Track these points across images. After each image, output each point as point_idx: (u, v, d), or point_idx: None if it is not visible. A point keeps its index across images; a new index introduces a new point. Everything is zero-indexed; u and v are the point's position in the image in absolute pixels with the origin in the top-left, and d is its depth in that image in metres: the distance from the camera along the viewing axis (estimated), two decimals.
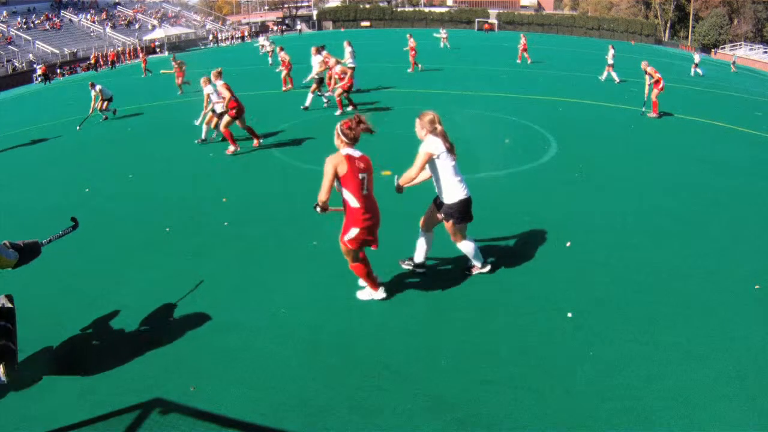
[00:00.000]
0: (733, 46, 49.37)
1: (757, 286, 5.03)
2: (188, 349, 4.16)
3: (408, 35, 22.12)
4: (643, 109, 13.39)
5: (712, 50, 52.09)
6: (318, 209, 4.22)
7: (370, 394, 3.67)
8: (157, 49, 41.69)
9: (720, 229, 6.44)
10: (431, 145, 4.41)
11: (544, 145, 10.17)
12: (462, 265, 5.48)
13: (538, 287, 5.04)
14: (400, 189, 4.70)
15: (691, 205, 7.28)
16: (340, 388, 3.73)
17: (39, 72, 30.26)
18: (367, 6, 68.62)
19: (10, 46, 34.54)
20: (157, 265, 5.58)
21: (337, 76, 12.58)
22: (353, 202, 4.06)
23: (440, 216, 4.73)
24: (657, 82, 12.80)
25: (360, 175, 4.07)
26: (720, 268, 5.44)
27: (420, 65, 21.90)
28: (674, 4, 63.90)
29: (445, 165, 4.48)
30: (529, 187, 7.85)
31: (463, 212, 4.64)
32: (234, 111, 9.34)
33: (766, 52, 43.61)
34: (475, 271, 5.14)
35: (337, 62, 12.72)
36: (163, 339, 4.30)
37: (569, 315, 4.55)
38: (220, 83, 9.40)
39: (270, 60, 24.97)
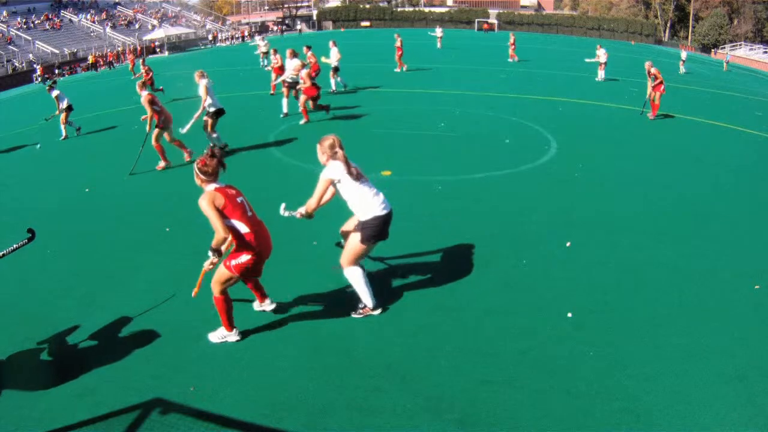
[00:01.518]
0: (733, 46, 49.37)
1: (757, 286, 5.03)
2: (188, 349, 4.16)
3: (396, 35, 21.99)
4: (643, 109, 13.39)
5: (712, 50, 52.09)
6: (212, 254, 3.87)
7: (370, 394, 3.67)
8: (157, 50, 41.67)
9: (720, 229, 6.44)
10: (331, 170, 4.24)
11: (544, 145, 10.17)
12: (465, 265, 5.48)
13: (539, 287, 5.05)
14: (309, 216, 4.39)
15: (691, 205, 7.28)
16: (340, 388, 3.73)
17: (39, 72, 30.24)
18: (367, 6, 68.57)
19: (10, 46, 34.52)
20: (157, 265, 5.58)
21: (302, 80, 11.79)
22: (243, 228, 3.86)
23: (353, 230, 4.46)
24: (658, 84, 12.77)
25: (239, 199, 3.93)
26: (720, 268, 5.44)
27: (404, 66, 21.34)
28: (674, 4, 63.89)
29: (351, 187, 4.28)
30: (529, 187, 7.85)
31: (376, 229, 4.30)
32: (161, 122, 8.77)
33: (766, 52, 43.59)
34: (364, 312, 4.55)
35: (303, 65, 12.05)
36: (163, 339, 4.30)
37: (569, 315, 4.56)
38: (144, 93, 8.72)
39: (263, 61, 24.34)
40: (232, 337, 4.22)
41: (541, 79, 20.08)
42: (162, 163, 9.05)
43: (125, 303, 4.83)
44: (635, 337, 4.27)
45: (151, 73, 16.57)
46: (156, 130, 8.83)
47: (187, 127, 9.29)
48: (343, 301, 4.80)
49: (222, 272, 3.99)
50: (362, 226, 4.33)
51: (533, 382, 3.76)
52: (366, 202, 4.30)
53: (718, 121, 13.29)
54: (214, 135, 9.63)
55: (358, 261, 4.43)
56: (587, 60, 21.85)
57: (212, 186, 3.91)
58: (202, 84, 9.25)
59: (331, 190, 4.43)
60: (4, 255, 3.99)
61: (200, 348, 4.17)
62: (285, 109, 12.84)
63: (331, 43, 16.01)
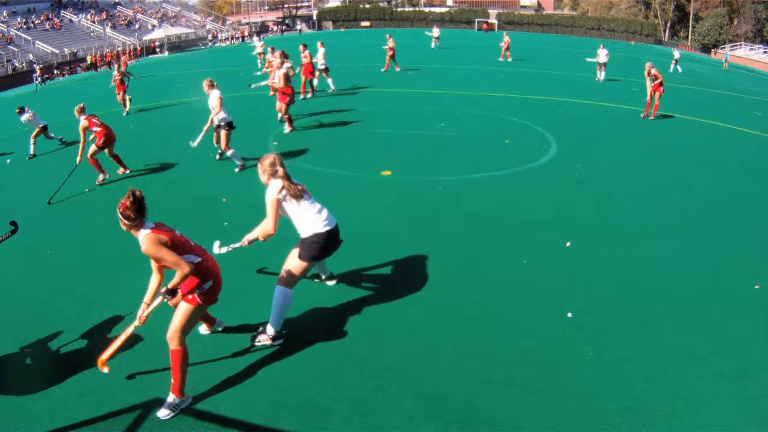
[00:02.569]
0: (733, 46, 49.37)
1: (757, 286, 5.03)
2: (188, 349, 4.15)
3: (388, 35, 21.95)
4: (647, 111, 13.37)
5: (712, 50, 52.09)
6: (168, 298, 3.52)
7: (370, 394, 3.67)
8: (157, 49, 41.67)
9: (720, 229, 6.44)
10: (275, 189, 4.14)
11: (544, 145, 10.17)
12: (466, 265, 5.48)
13: (539, 287, 5.05)
14: (264, 239, 4.25)
15: (691, 205, 7.29)
16: (340, 388, 3.73)
17: (38, 72, 30.21)
18: (367, 6, 68.53)
19: (10, 46, 34.52)
20: None
21: (278, 80, 10.71)
22: (195, 258, 3.57)
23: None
24: (658, 85, 12.76)
25: (177, 233, 3.62)
26: (720, 268, 5.44)
27: (387, 68, 21.29)
28: (674, 4, 63.86)
29: (294, 205, 4.18)
30: (528, 187, 7.85)
31: (316, 246, 4.17)
32: (102, 141, 8.25)
33: (766, 52, 43.59)
34: (262, 341, 4.23)
35: (281, 64, 10.84)
36: (163, 339, 4.29)
37: (569, 315, 4.56)
38: (83, 118, 8.22)
39: (260, 63, 23.93)
40: (186, 402, 3.62)
41: (541, 79, 20.07)
42: (101, 176, 8.47)
43: (125, 303, 4.83)
44: (635, 337, 4.27)
45: (127, 80, 14.58)
46: (93, 148, 8.31)
47: (197, 140, 8.72)
48: (342, 301, 4.81)
49: (185, 311, 3.58)
50: (302, 243, 4.21)
51: (533, 382, 3.76)
52: (307, 220, 4.18)
53: (717, 121, 13.29)
54: (230, 152, 8.69)
55: (295, 280, 4.22)
56: (588, 59, 21.84)
57: (145, 230, 3.48)
58: (215, 94, 8.44)
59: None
60: None
61: (200, 348, 4.16)
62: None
63: (318, 44, 15.58)
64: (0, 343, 4.31)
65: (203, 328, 4.35)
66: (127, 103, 14.58)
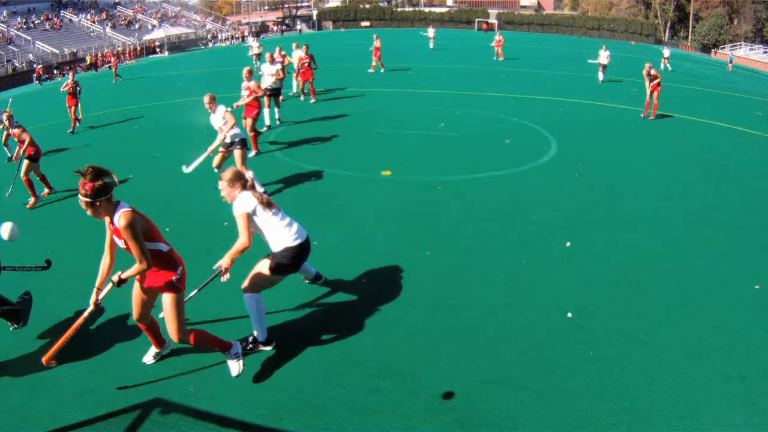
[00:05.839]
0: (733, 46, 49.36)
1: (757, 286, 5.03)
2: (188, 349, 4.16)
3: (375, 35, 21.98)
4: (646, 111, 13.36)
5: (712, 50, 52.09)
6: (116, 286, 3.41)
7: (370, 394, 3.67)
8: (157, 49, 41.66)
9: (720, 230, 6.44)
10: (243, 203, 3.95)
11: (544, 145, 10.17)
12: (466, 265, 5.48)
13: (539, 287, 5.05)
14: (225, 271, 3.99)
15: (690, 205, 7.28)
16: (340, 388, 3.73)
17: (37, 73, 30.19)
18: (367, 6, 68.54)
19: (10, 46, 34.50)
20: None
21: (246, 91, 9.51)
22: (163, 247, 3.49)
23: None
24: (656, 84, 12.77)
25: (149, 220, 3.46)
26: (720, 268, 5.44)
27: (375, 67, 21.42)
28: (674, 4, 63.84)
29: (264, 219, 4.00)
30: (529, 187, 7.85)
31: (287, 260, 4.04)
32: (32, 151, 7.68)
33: (766, 52, 43.59)
34: (254, 349, 4.15)
35: (250, 72, 9.62)
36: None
37: (569, 315, 4.56)
38: (15, 130, 7.67)
39: (257, 63, 23.06)
40: (237, 346, 3.85)
41: (542, 79, 20.07)
42: (32, 200, 7.70)
43: (125, 303, 4.81)
44: (635, 337, 4.28)
45: (78, 91, 12.59)
46: (26, 162, 7.66)
47: (194, 165, 7.49)
48: (342, 301, 4.81)
49: (173, 306, 3.55)
50: (273, 256, 4.07)
51: (533, 382, 3.76)
52: (278, 233, 4.03)
53: (717, 121, 13.29)
54: (250, 173, 6.67)
55: (261, 289, 4.10)
56: (590, 61, 21.86)
57: (120, 209, 3.26)
58: (220, 110, 7.29)
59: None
60: (15, 269, 4.20)
61: (200, 348, 4.16)
62: (267, 122, 11.43)
63: (294, 45, 14.71)
64: (0, 343, 4.31)
65: (149, 356, 4.04)
66: (80, 115, 12.65)
